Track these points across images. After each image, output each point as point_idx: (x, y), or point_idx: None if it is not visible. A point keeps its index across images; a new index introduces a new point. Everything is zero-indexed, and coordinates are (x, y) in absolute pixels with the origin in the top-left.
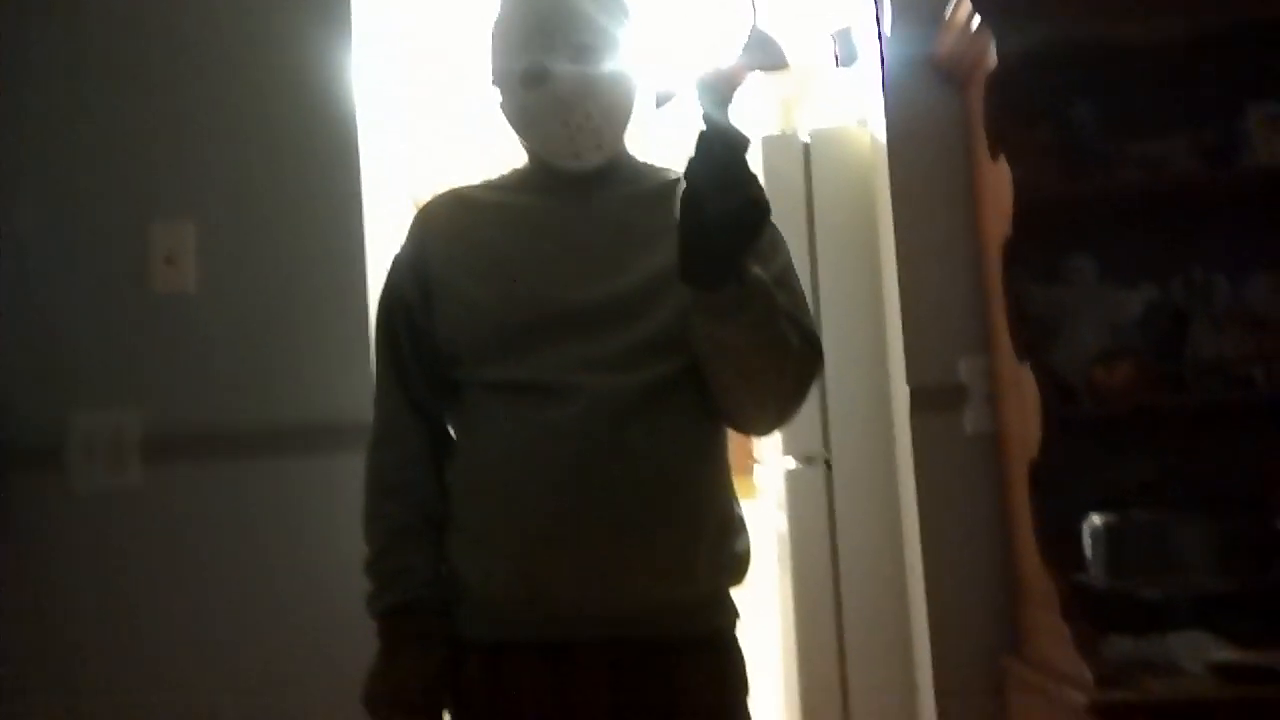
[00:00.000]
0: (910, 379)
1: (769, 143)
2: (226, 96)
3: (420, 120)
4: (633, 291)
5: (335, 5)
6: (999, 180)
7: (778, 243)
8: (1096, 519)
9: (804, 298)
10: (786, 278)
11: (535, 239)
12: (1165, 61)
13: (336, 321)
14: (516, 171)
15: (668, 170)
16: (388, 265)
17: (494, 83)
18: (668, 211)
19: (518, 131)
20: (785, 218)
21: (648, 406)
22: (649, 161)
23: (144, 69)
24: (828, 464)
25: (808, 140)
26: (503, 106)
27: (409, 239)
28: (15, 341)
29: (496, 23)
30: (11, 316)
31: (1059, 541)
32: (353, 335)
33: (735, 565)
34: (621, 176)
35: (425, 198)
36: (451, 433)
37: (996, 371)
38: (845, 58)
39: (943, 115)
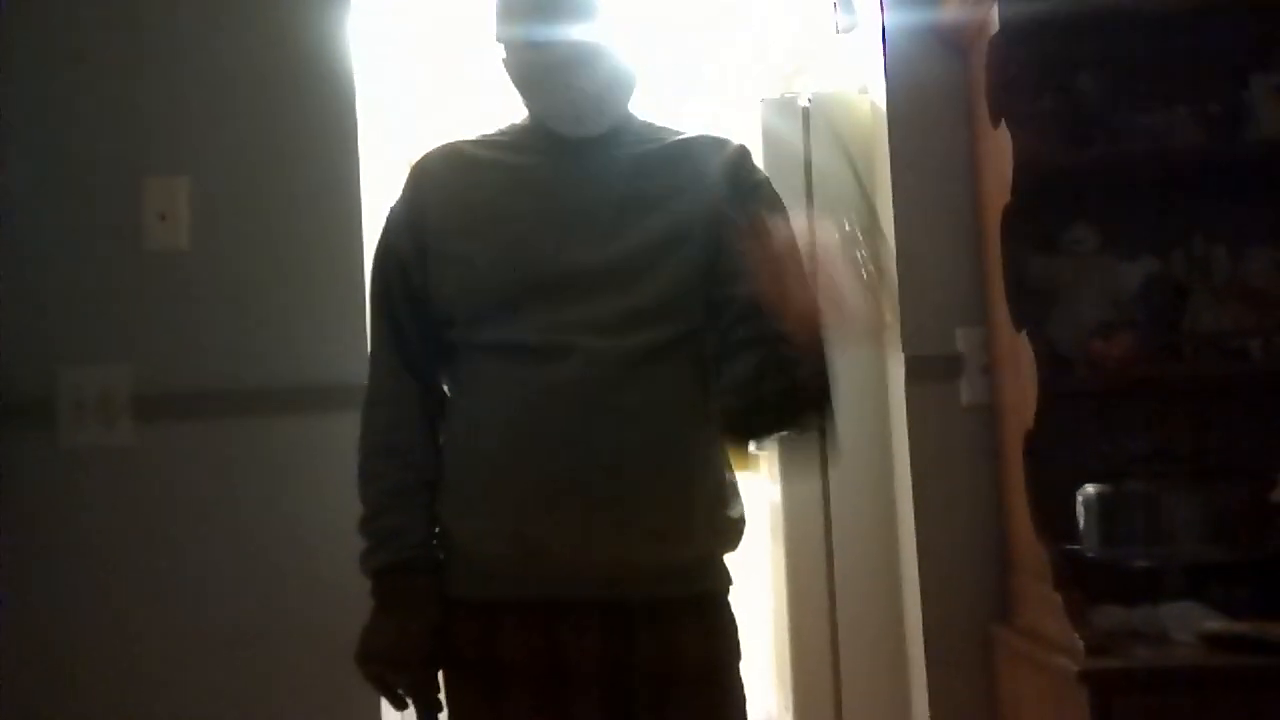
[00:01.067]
0: (906, 348)
1: (768, 105)
2: (222, 50)
3: (417, 75)
4: (632, 255)
5: None
6: (1000, 148)
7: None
8: (1090, 489)
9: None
10: None
11: (534, 199)
12: (1169, 31)
13: (331, 280)
14: (515, 128)
15: (671, 130)
16: (382, 223)
17: (497, 39)
18: (671, 174)
19: (520, 91)
20: (784, 182)
21: (644, 369)
22: (652, 122)
23: (138, 21)
24: (821, 432)
25: (807, 104)
26: (505, 64)
27: (404, 194)
28: (6, 296)
29: None
30: (2, 272)
31: (1052, 512)
32: (347, 294)
33: (730, 530)
34: (624, 139)
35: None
36: (446, 392)
37: (994, 342)
38: (845, 23)
39: (944, 82)
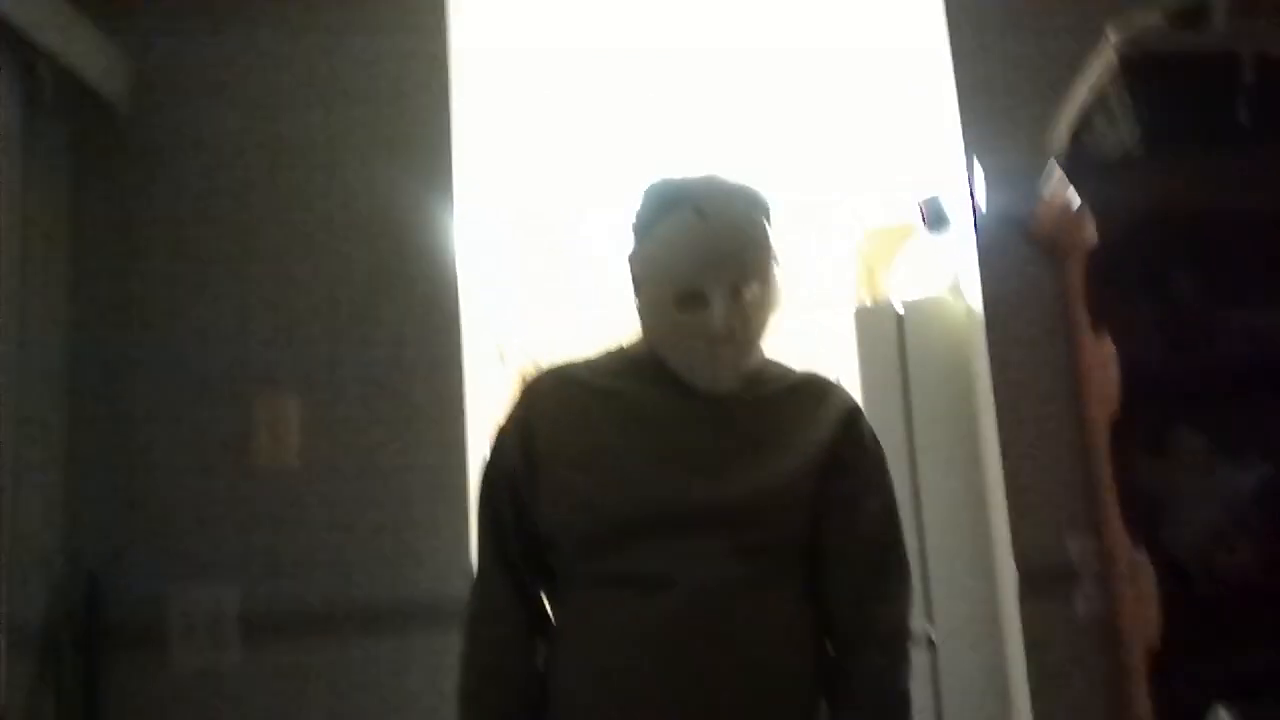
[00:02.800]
0: (1018, 560)
1: (862, 314)
2: (330, 268)
3: (516, 283)
4: (744, 498)
5: (438, 177)
6: (1103, 357)
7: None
8: (1223, 713)
9: (902, 559)
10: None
11: (645, 433)
12: (1265, 228)
13: (436, 497)
14: (626, 354)
15: (789, 371)
16: (486, 439)
17: (635, 282)
18: (784, 421)
19: (657, 343)
20: (880, 391)
21: (750, 599)
22: (770, 360)
23: (250, 241)
24: (931, 641)
25: (901, 311)
26: (641, 310)
27: (514, 417)
28: (117, 515)
29: (655, 232)
30: (115, 490)
31: None
32: (452, 511)
33: None
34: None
35: (522, 363)
36: (550, 614)
37: (1108, 552)
38: (934, 224)
39: (1040, 287)
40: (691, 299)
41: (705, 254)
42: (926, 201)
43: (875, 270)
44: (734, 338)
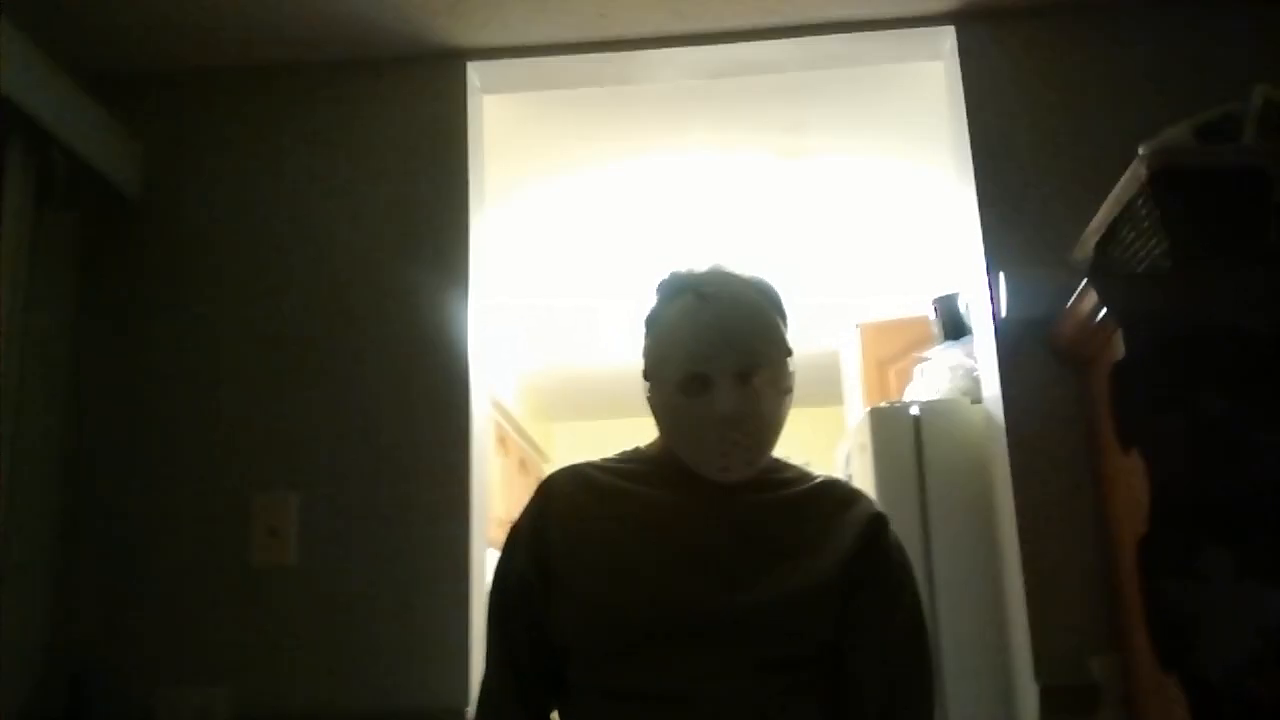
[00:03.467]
0: (1039, 677)
1: (877, 415)
2: (337, 364)
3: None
4: (764, 607)
5: (454, 274)
6: (1129, 473)
7: (909, 599)
8: None
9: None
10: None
11: (662, 538)
12: None
13: (438, 600)
14: (645, 456)
15: (810, 475)
16: (492, 541)
17: (646, 376)
18: (806, 527)
19: (665, 433)
20: (896, 494)
21: (769, 715)
22: (790, 463)
23: (255, 334)
24: None
25: (917, 413)
26: (651, 402)
27: (528, 519)
28: (105, 614)
29: (660, 319)
30: (104, 588)
31: None
32: (455, 616)
33: None
34: (760, 479)
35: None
36: None
37: (1133, 673)
38: (949, 325)
39: (1062, 397)
40: (697, 383)
41: (707, 335)
42: (941, 301)
43: (883, 368)
44: (743, 424)
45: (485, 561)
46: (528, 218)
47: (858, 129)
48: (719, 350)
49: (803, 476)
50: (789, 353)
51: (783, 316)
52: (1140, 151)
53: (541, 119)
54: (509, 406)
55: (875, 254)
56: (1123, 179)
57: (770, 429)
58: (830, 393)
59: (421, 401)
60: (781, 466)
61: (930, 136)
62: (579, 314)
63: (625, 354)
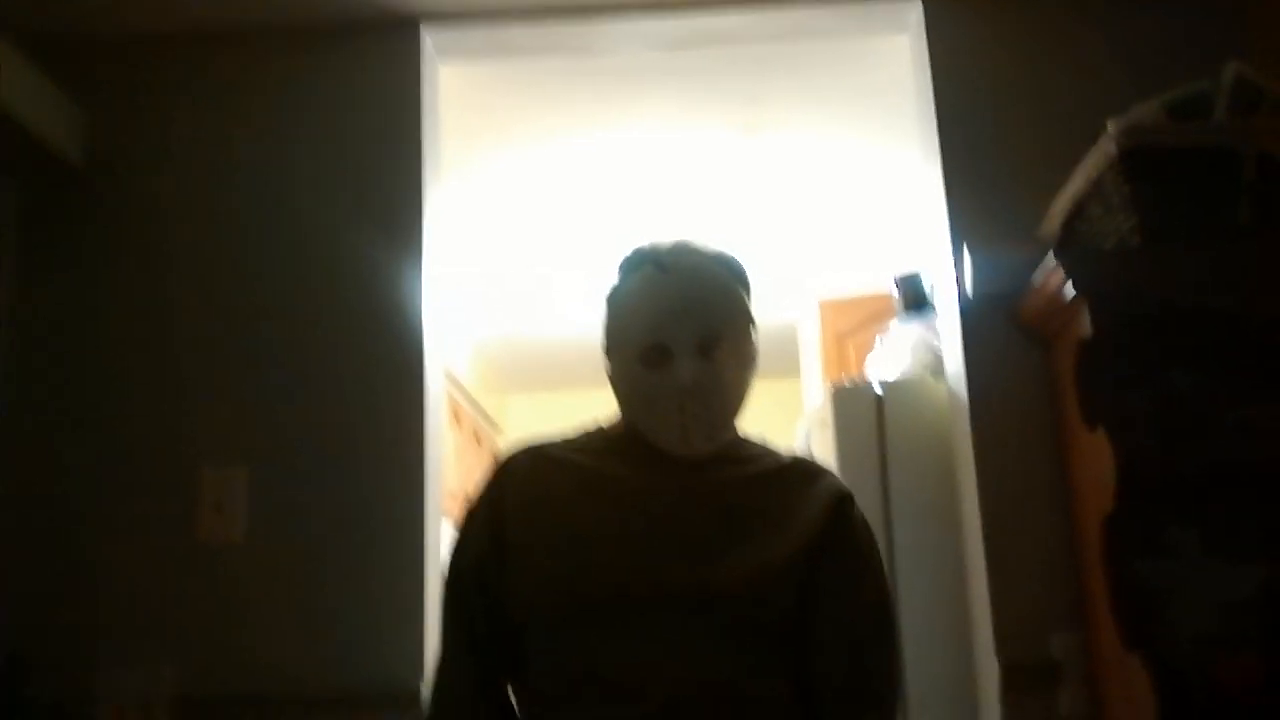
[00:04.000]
0: (1000, 654)
1: (839, 393)
2: (288, 335)
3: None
4: (728, 580)
5: (407, 246)
6: (1095, 451)
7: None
8: None
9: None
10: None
11: (623, 511)
12: (1262, 330)
13: (391, 578)
14: (605, 434)
15: (775, 453)
16: (447, 518)
17: (607, 352)
18: (770, 504)
19: (625, 407)
20: (859, 471)
21: (733, 701)
22: (755, 439)
23: (204, 306)
24: None
25: (880, 392)
26: (611, 376)
27: (485, 496)
28: (44, 592)
29: (620, 292)
30: (44, 565)
31: None
32: (408, 594)
33: None
34: (724, 455)
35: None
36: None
37: (1095, 651)
38: (912, 303)
39: (1027, 375)
40: (656, 355)
41: (666, 305)
42: (904, 279)
43: (842, 342)
44: (704, 396)
45: (440, 536)
46: (484, 189)
47: (819, 104)
48: (679, 320)
49: (768, 453)
50: (752, 324)
51: (746, 289)
52: (1109, 129)
53: (498, 90)
54: (462, 378)
55: (835, 230)
56: (1091, 156)
57: (732, 401)
58: (788, 366)
59: (375, 373)
60: (747, 444)
61: (894, 112)
62: (535, 283)
63: (581, 324)
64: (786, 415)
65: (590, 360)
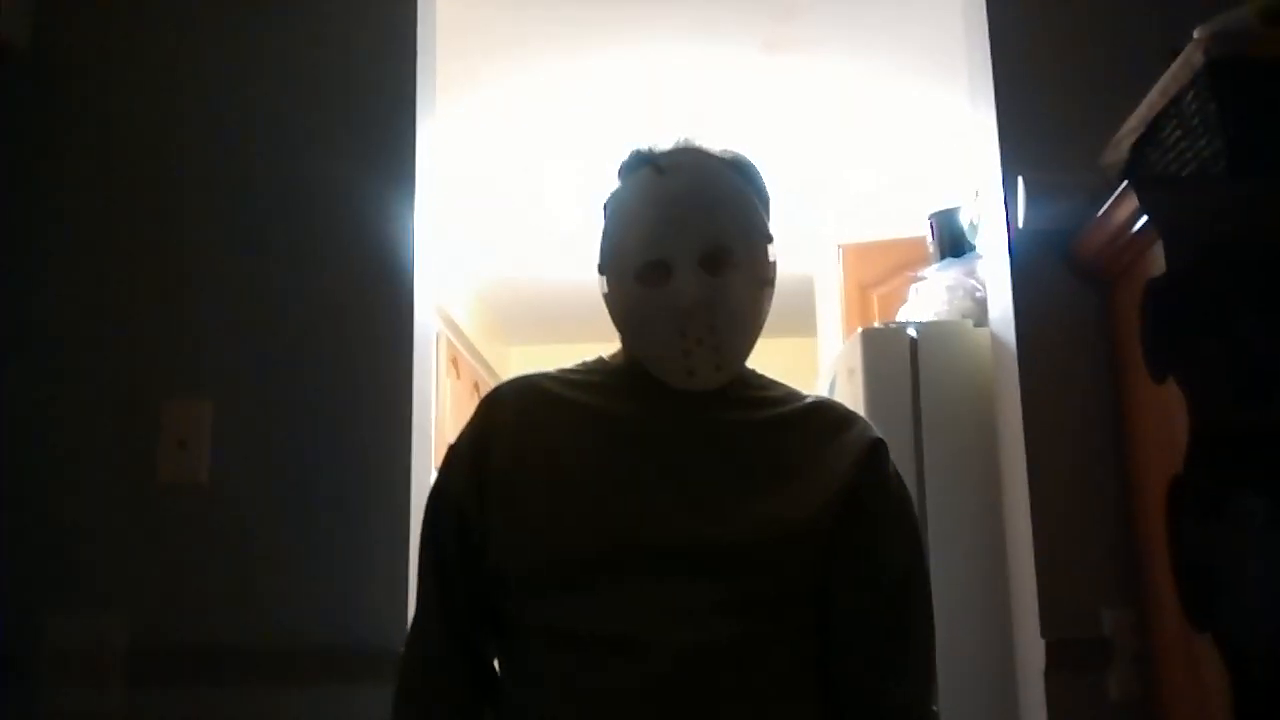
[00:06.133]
0: (1046, 630)
1: (869, 336)
2: (259, 254)
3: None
4: (740, 540)
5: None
6: (1162, 405)
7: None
8: None
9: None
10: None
11: (623, 456)
12: None
13: (372, 529)
14: (606, 366)
15: (799, 394)
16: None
17: (601, 269)
18: (792, 451)
19: (624, 331)
20: (890, 422)
21: (742, 669)
22: (773, 380)
23: (165, 218)
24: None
25: (914, 335)
26: (608, 298)
27: (470, 431)
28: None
29: (616, 200)
30: None
31: None
32: (389, 541)
33: None
34: (738, 395)
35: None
36: (499, 675)
37: (1153, 629)
38: (948, 245)
39: (1083, 319)
40: (656, 271)
41: (665, 214)
42: (939, 216)
43: (866, 292)
44: (709, 316)
45: (426, 484)
46: (483, 114)
47: (855, 21)
48: (680, 230)
49: (790, 395)
50: (768, 238)
51: (762, 197)
52: (1196, 34)
53: (500, 5)
54: (462, 324)
55: (860, 169)
56: (1171, 68)
57: (743, 326)
58: (801, 324)
59: (357, 303)
60: (766, 382)
61: (936, 33)
62: (540, 220)
63: (591, 271)
64: (799, 381)
65: (601, 310)
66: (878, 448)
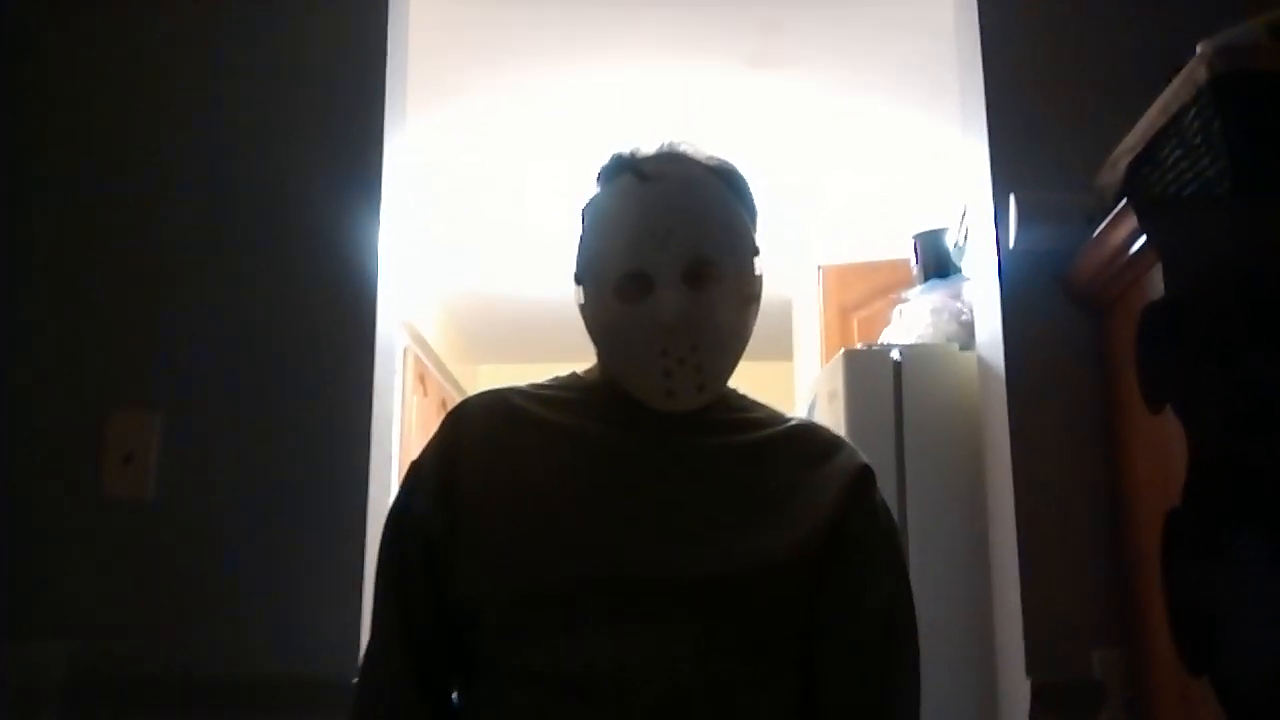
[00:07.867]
0: (1032, 671)
1: (852, 358)
2: (213, 260)
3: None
4: (724, 572)
5: (360, 159)
6: (1158, 436)
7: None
8: None
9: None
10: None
11: (599, 481)
12: None
13: (325, 550)
14: (581, 382)
15: (779, 415)
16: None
17: (578, 279)
18: (778, 478)
19: (600, 346)
20: (871, 449)
21: (721, 715)
22: (755, 400)
23: (106, 225)
24: None
25: (898, 358)
26: (584, 310)
27: (435, 449)
28: None
29: (595, 207)
30: None
31: None
32: (345, 570)
33: None
34: (720, 417)
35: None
36: (458, 710)
37: (1146, 671)
38: (933, 266)
39: (1075, 345)
40: (636, 285)
41: (647, 224)
42: (924, 237)
43: (846, 315)
44: (691, 335)
45: (385, 505)
46: (464, 126)
47: (840, 39)
48: (662, 241)
49: (773, 417)
50: (755, 251)
51: (749, 208)
52: (1199, 49)
53: (480, 14)
54: (431, 341)
55: (843, 190)
56: (1173, 84)
57: (727, 344)
58: (777, 348)
59: (315, 316)
60: (748, 403)
61: (922, 52)
62: (512, 236)
63: (564, 288)
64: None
65: (576, 329)
66: (865, 475)
